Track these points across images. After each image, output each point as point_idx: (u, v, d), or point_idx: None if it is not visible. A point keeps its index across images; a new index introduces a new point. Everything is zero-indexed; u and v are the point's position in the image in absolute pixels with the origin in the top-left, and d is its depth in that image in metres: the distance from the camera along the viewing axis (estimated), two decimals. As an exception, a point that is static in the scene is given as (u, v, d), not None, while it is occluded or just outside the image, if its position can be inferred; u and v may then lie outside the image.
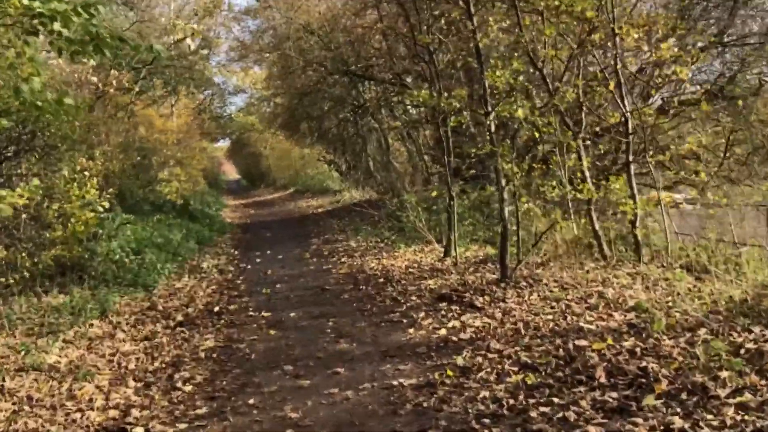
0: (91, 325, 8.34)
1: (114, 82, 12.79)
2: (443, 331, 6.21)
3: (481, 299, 7.04)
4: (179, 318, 8.49)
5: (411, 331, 6.43)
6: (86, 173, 11.85)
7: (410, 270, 9.78)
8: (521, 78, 7.89)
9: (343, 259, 11.72)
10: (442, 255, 10.46)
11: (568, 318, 5.88)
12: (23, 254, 9.85)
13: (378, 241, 13.00)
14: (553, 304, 6.50)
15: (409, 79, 16.59)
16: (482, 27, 8.10)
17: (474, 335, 5.89)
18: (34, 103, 7.05)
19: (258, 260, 12.90)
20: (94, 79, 11.61)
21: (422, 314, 6.99)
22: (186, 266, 12.73)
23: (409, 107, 20.49)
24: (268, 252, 13.77)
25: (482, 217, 12.16)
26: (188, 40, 11.17)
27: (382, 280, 9.42)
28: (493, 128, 7.81)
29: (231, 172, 71.29)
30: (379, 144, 24.70)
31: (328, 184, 33.12)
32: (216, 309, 8.82)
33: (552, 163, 8.92)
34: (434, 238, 11.59)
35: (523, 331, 5.70)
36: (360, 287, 9.17)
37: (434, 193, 12.49)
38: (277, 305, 8.73)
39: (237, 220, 22.22)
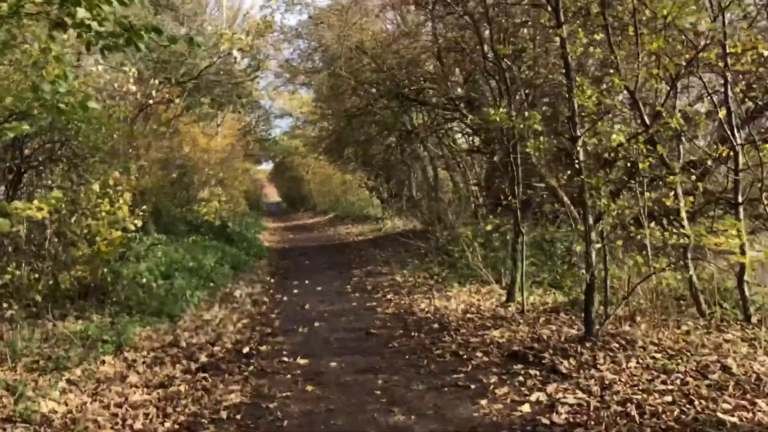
0: (103, 362, 7.09)
1: (154, 92, 11.73)
2: (526, 408, 4.78)
3: (565, 363, 5.60)
4: (203, 359, 7.19)
5: (483, 402, 5.01)
6: (119, 188, 10.76)
7: (469, 316, 8.35)
8: (618, 98, 6.50)
9: (388, 296, 10.35)
10: (504, 299, 9.02)
11: (695, 402, 4.41)
12: (38, 274, 8.72)
13: (427, 276, 11.60)
14: (663, 376, 5.03)
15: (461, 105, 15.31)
16: (570, 38, 6.73)
17: (570, 418, 4.44)
18: (55, 106, 5.96)
19: (295, 291, 11.59)
20: (134, 88, 10.52)
21: (494, 379, 5.56)
22: (218, 294, 11.48)
23: (459, 135, 19.21)
24: (307, 282, 12.47)
25: (544, 257, 10.69)
26: (235, 52, 9.99)
27: (436, 326, 8.02)
28: (582, 156, 6.41)
29: (272, 195, 70.73)
30: (424, 172, 23.44)
31: (368, 211, 31.91)
32: (245, 350, 7.51)
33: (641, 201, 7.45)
34: (492, 278, 10.16)
35: (638, 419, 4.25)
36: (411, 333, 7.78)
37: (489, 227, 11.12)
38: (316, 350, 7.38)
39: (275, 244, 21.03)
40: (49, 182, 9.83)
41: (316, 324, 8.78)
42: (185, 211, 16.86)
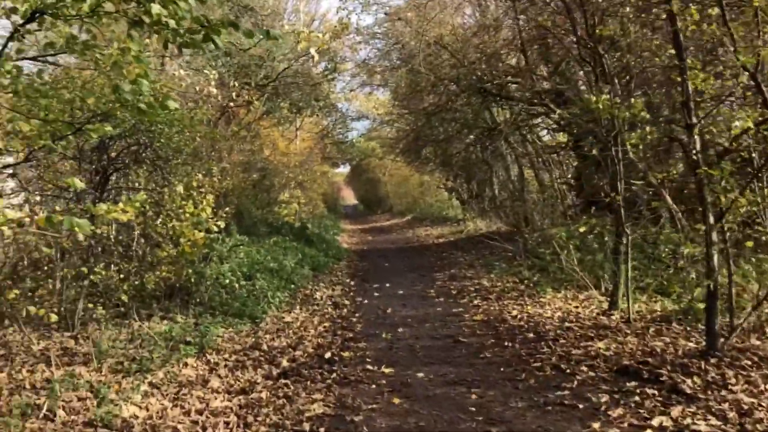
0: (186, 364, 6.84)
1: (234, 95, 11.57)
2: (650, 435, 4.15)
3: (689, 382, 4.91)
4: (284, 364, 6.84)
5: (596, 426, 4.40)
6: (202, 190, 10.63)
7: (567, 325, 7.68)
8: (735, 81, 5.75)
9: (476, 302, 9.77)
10: (605, 306, 8.30)
11: None
12: (125, 275, 8.61)
13: (516, 281, 10.95)
14: (810, 401, 4.30)
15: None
16: (679, 16, 6.00)
17: (707, 451, 3.79)
18: (136, 106, 5.74)
19: (376, 294, 11.17)
20: (215, 90, 10.35)
21: (604, 397, 4.93)
22: (298, 296, 11.19)
23: (544, 131, 18.40)
24: (387, 285, 12.03)
25: (647, 261, 9.86)
26: (313, 51, 9.64)
27: (532, 335, 7.40)
28: (698, 146, 5.69)
29: (349, 198, 71.01)
30: (507, 171, 22.69)
31: (447, 212, 31.31)
32: (328, 355, 7.11)
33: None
34: (590, 283, 9.44)
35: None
36: (504, 343, 7.19)
37: (583, 228, 10.39)
38: (401, 358, 6.90)
39: (354, 246, 20.73)
40: (135, 184, 9.74)
41: (400, 330, 8.30)
42: (266, 213, 16.74)
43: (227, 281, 10.36)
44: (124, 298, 8.35)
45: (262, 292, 10.36)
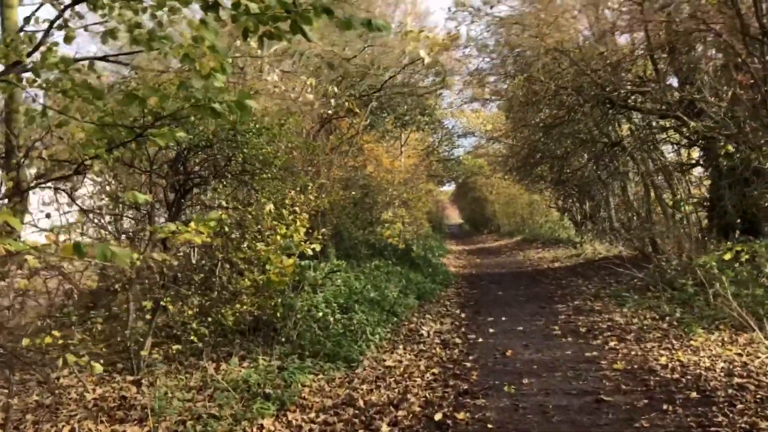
0: (261, 427, 5.64)
1: (333, 102, 10.49)
2: None
3: None
4: (384, 429, 5.51)
5: None
6: (296, 209, 9.58)
7: (738, 381, 5.96)
8: None
9: (611, 343, 8.09)
10: (788, 359, 6.50)
11: None
12: (201, 308, 7.58)
13: (656, 317, 9.17)
14: None
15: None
16: None
17: None
18: (208, 107, 4.61)
19: (491, 330, 9.67)
20: (311, 97, 9.29)
21: None
22: (401, 330, 9.87)
23: (671, 146, 16.33)
24: (503, 318, 10.50)
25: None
26: (422, 52, 8.39)
27: (694, 394, 5.74)
28: None
29: (453, 217, 69.50)
30: (624, 191, 20.59)
31: (559, 234, 29.26)
32: (438, 416, 5.73)
33: None
34: (753, 323, 7.59)
35: None
36: (661, 405, 5.55)
37: (728, 255, 8.59)
38: (532, 424, 5.41)
39: (461, 270, 19.25)
40: (217, 201, 8.77)
41: (525, 381, 6.79)
42: (367, 234, 15.62)
43: (320, 314, 9.20)
44: (194, 338, 7.29)
45: (360, 327, 9.11)
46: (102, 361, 5.06)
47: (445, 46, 18.46)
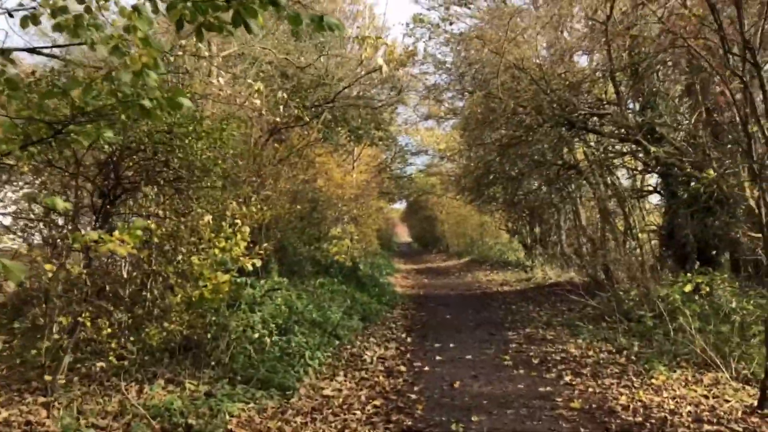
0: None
1: (282, 108, 9.76)
2: None
3: None
4: (315, 474, 4.80)
5: None
6: (237, 221, 8.83)
7: (708, 428, 5.45)
8: None
9: (566, 377, 7.53)
10: (752, 402, 6.00)
11: None
12: (115, 328, 6.74)
13: (612, 351, 8.67)
14: None
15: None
16: None
17: None
18: (137, 102, 4.14)
19: (438, 358, 9.03)
20: (258, 102, 8.56)
21: None
22: (343, 354, 9.15)
23: (624, 172, 16.11)
24: (451, 345, 9.88)
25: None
26: (379, 60, 7.77)
27: (662, 443, 5.21)
28: None
29: (403, 235, 69.06)
30: (576, 215, 20.38)
31: (508, 256, 28.98)
32: (377, 460, 5.05)
33: None
34: (718, 361, 7.15)
35: None
36: (628, 457, 5.01)
37: (688, 287, 8.24)
38: (482, 474, 4.78)
39: (409, 290, 18.63)
40: (151, 210, 7.93)
41: (474, 418, 6.15)
42: (313, 250, 14.87)
43: (256, 335, 8.43)
44: (111, 358, 6.47)
45: (298, 350, 8.37)
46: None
47: (402, 61, 17.99)
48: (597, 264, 14.40)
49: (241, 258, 8.46)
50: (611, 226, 14.21)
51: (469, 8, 17.36)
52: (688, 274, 9.31)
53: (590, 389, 6.97)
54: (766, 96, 5.54)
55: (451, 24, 18.36)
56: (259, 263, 9.20)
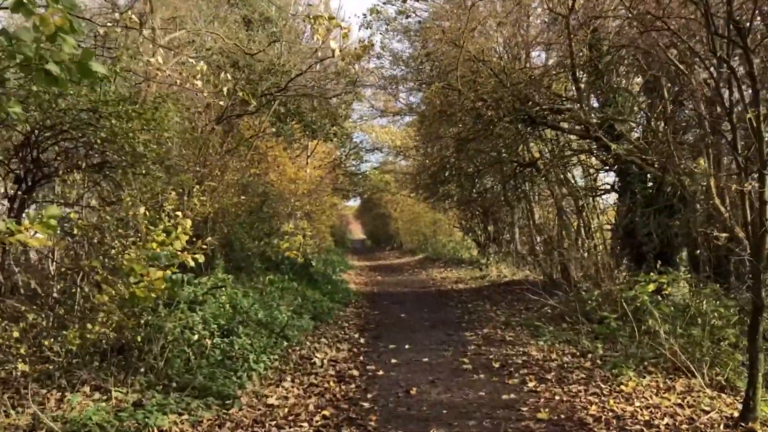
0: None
1: (225, 90, 8.93)
2: None
3: None
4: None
5: None
6: (178, 213, 8.01)
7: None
8: None
9: (530, 383, 6.93)
10: (731, 412, 5.49)
11: None
12: (24, 331, 5.88)
13: (575, 353, 8.13)
14: None
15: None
16: None
17: None
18: (41, 67, 3.69)
19: (393, 360, 8.36)
20: (199, 83, 7.73)
21: None
22: (292, 357, 8.41)
23: (583, 170, 15.73)
24: (406, 346, 9.22)
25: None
26: (332, 44, 7.07)
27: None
28: None
29: (357, 232, 68.33)
30: (531, 214, 20.01)
31: (462, 254, 28.54)
32: (324, 484, 4.34)
33: None
34: (692, 366, 6.66)
35: None
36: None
37: (651, 287, 7.79)
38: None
39: (363, 288, 17.93)
40: (73, 198, 7.05)
41: (433, 431, 5.51)
42: (263, 245, 14.04)
43: (195, 337, 7.64)
44: (22, 365, 5.62)
45: (242, 354, 7.60)
46: None
47: (357, 55, 17.21)
48: (553, 263, 13.95)
49: (182, 253, 7.70)
50: (567, 224, 13.78)
51: (426, 1, 16.76)
52: (651, 274, 8.88)
53: (557, 397, 6.38)
54: (754, 84, 5.02)
55: (407, 17, 17.76)
56: (202, 259, 8.42)
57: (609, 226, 13.16)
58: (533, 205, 19.93)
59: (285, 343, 8.92)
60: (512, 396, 6.52)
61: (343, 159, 35.68)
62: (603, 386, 6.63)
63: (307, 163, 29.54)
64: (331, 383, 7.22)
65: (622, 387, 6.50)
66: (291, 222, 21.55)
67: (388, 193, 39.03)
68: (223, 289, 9.61)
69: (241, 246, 12.46)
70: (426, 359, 8.33)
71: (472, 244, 27.45)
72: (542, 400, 6.33)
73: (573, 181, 14.10)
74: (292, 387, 7.06)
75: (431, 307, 13.27)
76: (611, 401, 6.11)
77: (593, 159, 14.52)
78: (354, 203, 54.84)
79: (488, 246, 23.53)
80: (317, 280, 14.60)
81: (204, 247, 8.69)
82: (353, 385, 7.13)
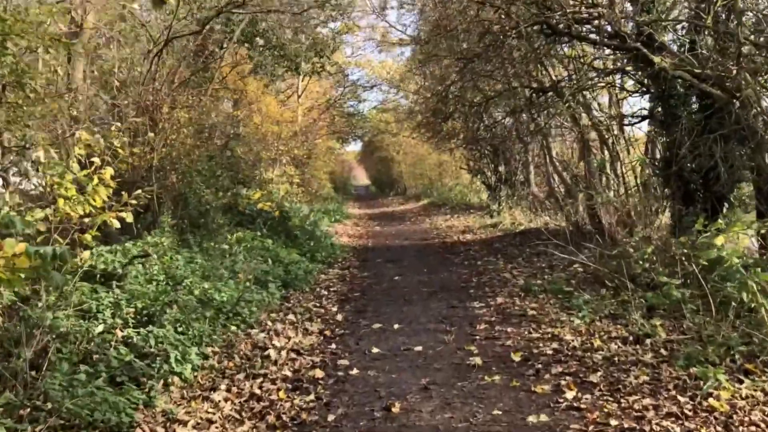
0: None
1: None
2: None
3: None
4: None
5: None
6: (94, 160, 5.98)
7: None
8: None
9: (568, 393, 4.73)
10: None
11: None
12: None
13: (627, 337, 5.88)
14: None
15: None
16: None
17: None
18: None
19: (375, 350, 6.17)
20: (136, 6, 5.44)
21: None
22: (239, 347, 6.26)
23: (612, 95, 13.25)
24: (395, 326, 7.04)
25: None
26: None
27: None
28: None
29: (362, 178, 65.97)
30: (547, 151, 17.65)
31: (469, 198, 26.29)
32: None
33: None
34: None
35: None
36: None
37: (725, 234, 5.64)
38: None
39: (356, 241, 15.75)
40: None
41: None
42: (230, 197, 11.78)
43: (99, 329, 5.50)
44: None
45: (161, 351, 5.44)
46: None
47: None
48: (580, 208, 11.67)
49: (105, 211, 5.81)
50: (597, 160, 11.42)
51: None
52: (719, 220, 6.64)
53: (613, 420, 4.20)
54: None
55: None
56: (129, 218, 6.39)
57: (647, 161, 10.77)
58: (550, 140, 17.58)
59: (235, 327, 6.77)
60: (544, 418, 4.34)
61: (340, 99, 33.18)
62: (681, 398, 4.44)
63: (299, 104, 27.12)
64: (281, 393, 5.07)
65: (713, 401, 4.30)
66: (276, 169, 19.33)
67: (389, 134, 36.59)
68: (155, 257, 7.42)
69: (199, 199, 10.22)
70: (419, 348, 6.14)
71: (481, 187, 25.12)
72: (591, 427, 4.14)
73: (601, 109, 11.68)
74: (225, 401, 4.93)
75: (433, 266, 11.07)
76: (696, 423, 3.92)
77: (626, 81, 12.08)
78: (355, 148, 52.46)
79: (499, 189, 21.19)
80: (296, 235, 12.37)
81: (133, 202, 6.68)
82: (312, 396, 4.99)
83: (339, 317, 7.59)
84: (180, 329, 6.01)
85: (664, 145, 10.98)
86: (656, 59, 9.16)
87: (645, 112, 11.95)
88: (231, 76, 16.54)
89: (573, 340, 5.91)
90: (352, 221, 22.38)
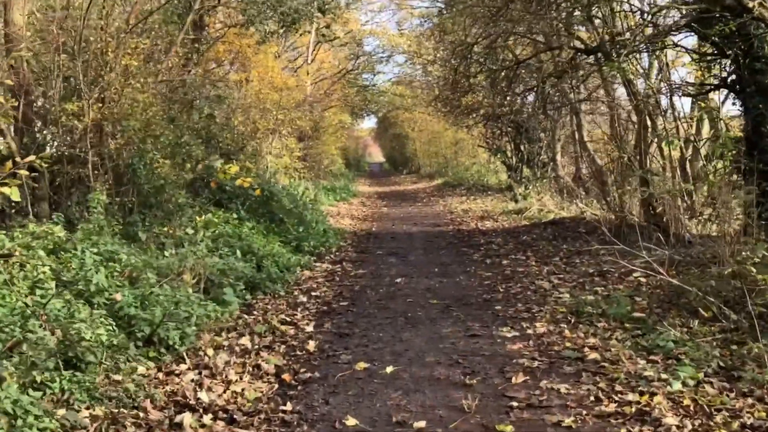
0: None
1: None
2: None
3: None
4: None
5: None
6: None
7: None
8: None
9: None
10: None
11: None
12: None
13: (757, 416, 3.44)
14: None
15: None
16: None
17: None
18: None
19: (351, 421, 3.75)
20: None
21: None
22: (140, 398, 3.87)
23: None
24: (389, 369, 4.60)
25: None
26: None
27: None
28: None
29: (377, 155, 63.38)
30: (579, 129, 15.15)
31: (488, 178, 23.75)
32: None
33: None
34: None
35: None
36: None
37: None
38: None
39: (358, 225, 13.31)
40: None
41: None
42: (200, 171, 9.35)
43: None
44: None
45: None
46: None
47: None
48: (628, 197, 9.15)
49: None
50: (656, 137, 8.87)
51: None
52: None
53: None
54: None
55: None
56: (15, 195, 4.04)
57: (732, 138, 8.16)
58: (581, 117, 15.07)
59: (149, 363, 4.39)
60: None
61: (354, 70, 30.60)
62: None
63: (308, 72, 24.62)
64: None
65: None
66: (274, 140, 16.90)
67: (404, 110, 33.99)
68: (64, 252, 5.03)
69: (151, 172, 7.79)
70: (422, 424, 3.68)
71: (500, 167, 22.51)
72: None
73: (664, 74, 9.08)
74: None
75: (445, 265, 8.60)
76: None
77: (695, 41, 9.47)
78: (370, 125, 49.87)
79: (520, 169, 18.58)
80: (283, 219, 9.91)
81: (23, 172, 4.36)
82: None
83: (311, 345, 5.17)
84: (45, 378, 3.64)
85: (745, 122, 8.39)
86: (750, 2, 6.71)
87: (714, 81, 9.36)
88: (228, 37, 14.20)
89: (673, 423, 3.44)
90: (359, 200, 19.96)
